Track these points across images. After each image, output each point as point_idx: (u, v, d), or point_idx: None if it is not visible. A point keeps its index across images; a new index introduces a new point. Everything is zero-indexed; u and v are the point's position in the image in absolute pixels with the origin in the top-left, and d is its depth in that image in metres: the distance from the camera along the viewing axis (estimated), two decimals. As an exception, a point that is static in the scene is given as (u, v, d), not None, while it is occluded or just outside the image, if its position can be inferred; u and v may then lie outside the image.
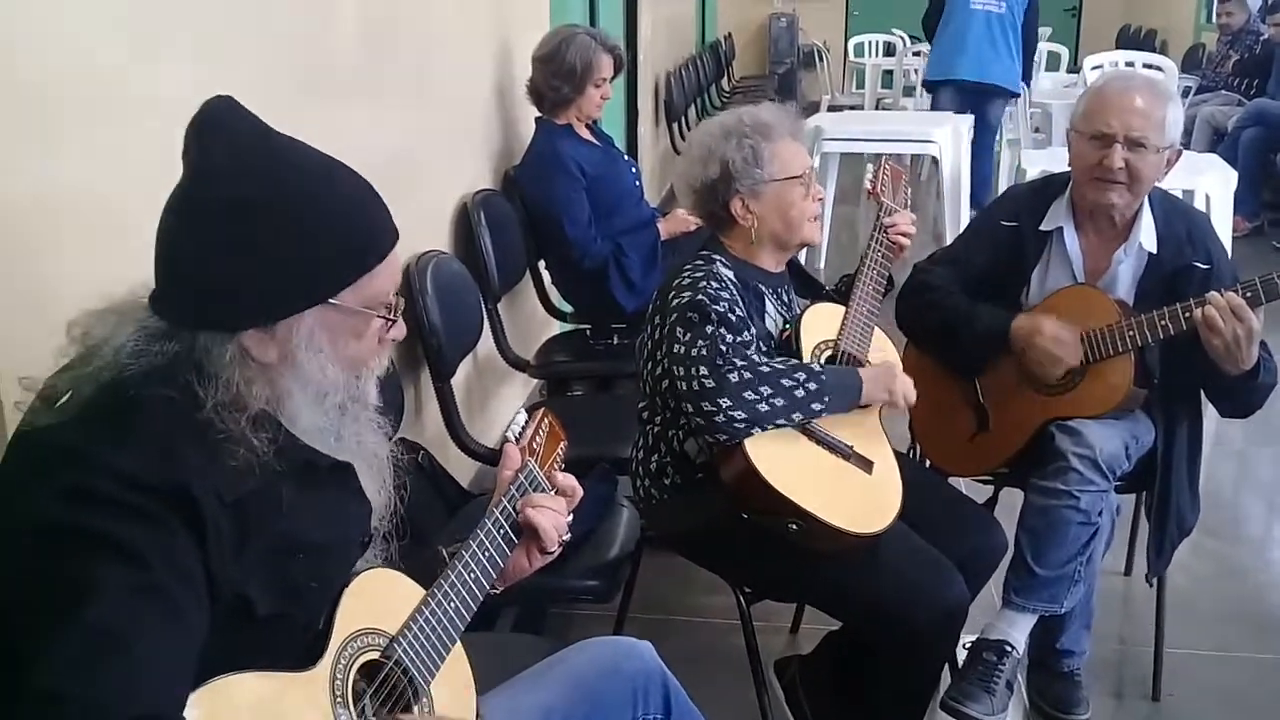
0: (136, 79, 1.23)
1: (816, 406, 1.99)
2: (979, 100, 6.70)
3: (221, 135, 1.20)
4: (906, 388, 2.15)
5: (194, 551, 1.12)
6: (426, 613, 1.34)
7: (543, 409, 1.65)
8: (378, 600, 1.31)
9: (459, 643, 1.39)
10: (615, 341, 3.52)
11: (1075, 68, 9.90)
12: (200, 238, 1.19)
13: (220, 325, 1.20)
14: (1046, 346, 2.36)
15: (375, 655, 1.29)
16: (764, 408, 1.94)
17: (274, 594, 1.21)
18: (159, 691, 1.05)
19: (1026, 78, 7.04)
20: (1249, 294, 2.21)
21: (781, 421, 1.97)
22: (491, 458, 2.88)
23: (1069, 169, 2.49)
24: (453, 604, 1.37)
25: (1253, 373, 2.26)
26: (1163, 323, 2.29)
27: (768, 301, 2.18)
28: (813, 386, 1.99)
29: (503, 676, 1.60)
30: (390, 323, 1.30)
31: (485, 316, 3.18)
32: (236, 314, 1.20)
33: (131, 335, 1.19)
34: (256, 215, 1.18)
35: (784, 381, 1.97)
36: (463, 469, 3.06)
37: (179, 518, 1.11)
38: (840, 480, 2.03)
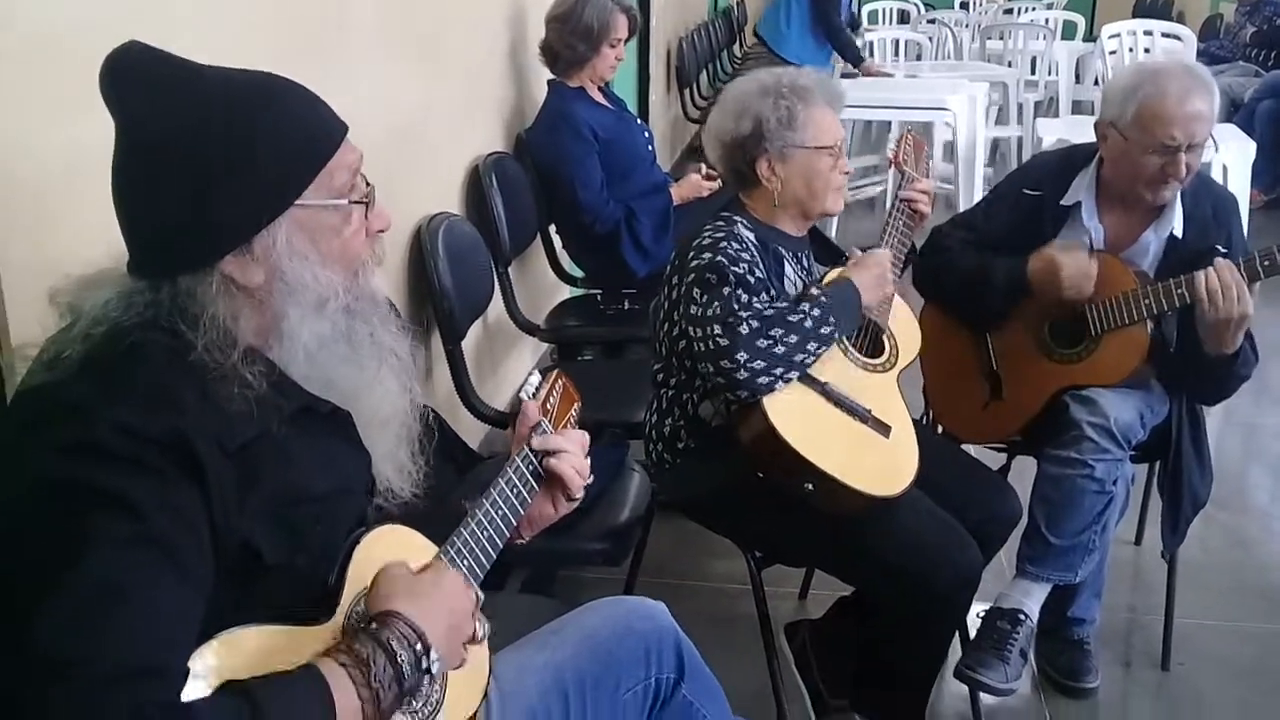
0: (143, 39, 1.22)
1: (827, 330, 1.99)
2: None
3: (135, 81, 1.18)
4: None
5: (196, 502, 1.11)
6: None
7: (556, 370, 1.64)
8: (392, 555, 1.30)
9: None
10: (626, 306, 3.50)
11: (1092, 36, 9.80)
12: (148, 185, 1.18)
13: (195, 262, 1.18)
14: (1067, 272, 2.32)
15: (389, 609, 1.28)
16: (779, 349, 1.93)
17: (280, 542, 1.20)
18: (160, 643, 1.03)
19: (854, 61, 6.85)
20: (1266, 263, 2.21)
21: (800, 357, 1.96)
22: (501, 421, 2.88)
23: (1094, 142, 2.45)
24: (465, 562, 1.37)
25: (1232, 357, 2.27)
26: (1179, 291, 2.27)
27: (787, 265, 2.16)
28: (817, 312, 1.98)
29: (513, 635, 1.60)
30: (366, 205, 1.29)
31: (496, 280, 3.17)
32: (207, 245, 1.18)
33: (114, 296, 1.18)
34: (195, 146, 1.16)
35: (790, 318, 1.96)
36: (472, 432, 3.05)
37: (180, 468, 1.10)
38: (858, 442, 2.02)
